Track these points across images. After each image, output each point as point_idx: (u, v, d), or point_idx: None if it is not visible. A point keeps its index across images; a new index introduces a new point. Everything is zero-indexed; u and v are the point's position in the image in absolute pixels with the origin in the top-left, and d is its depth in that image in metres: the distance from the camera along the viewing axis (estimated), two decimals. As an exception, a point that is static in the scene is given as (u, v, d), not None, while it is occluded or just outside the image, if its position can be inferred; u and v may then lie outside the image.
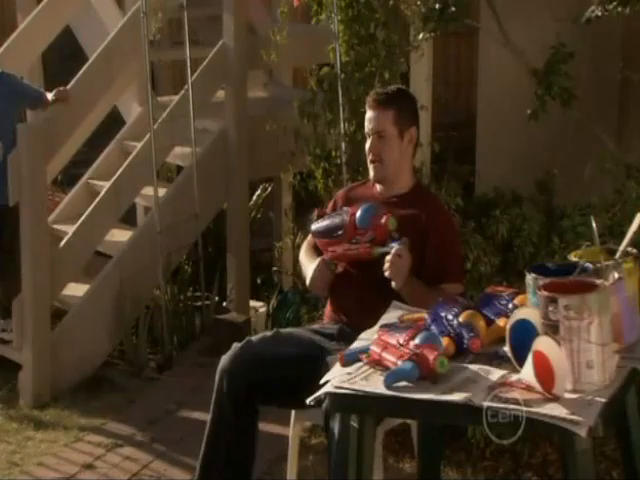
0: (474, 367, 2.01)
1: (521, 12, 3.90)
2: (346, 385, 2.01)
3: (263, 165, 5.22)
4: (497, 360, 2.04)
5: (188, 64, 4.73)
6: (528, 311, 1.99)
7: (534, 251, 3.36)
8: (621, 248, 2.11)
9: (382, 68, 3.68)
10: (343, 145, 3.91)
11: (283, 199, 6.20)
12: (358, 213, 2.63)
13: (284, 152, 4.62)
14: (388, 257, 2.54)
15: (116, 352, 4.70)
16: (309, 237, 2.93)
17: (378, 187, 2.80)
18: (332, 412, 2.11)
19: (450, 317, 2.19)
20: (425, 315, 2.30)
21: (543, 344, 1.83)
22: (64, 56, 6.14)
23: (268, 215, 6.03)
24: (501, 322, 2.17)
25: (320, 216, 2.83)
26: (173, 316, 4.84)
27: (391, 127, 2.70)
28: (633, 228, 2.14)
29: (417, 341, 2.04)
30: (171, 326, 4.79)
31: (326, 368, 2.54)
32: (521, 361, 1.93)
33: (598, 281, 1.91)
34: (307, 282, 2.75)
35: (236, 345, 2.66)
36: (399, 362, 2.00)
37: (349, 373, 2.07)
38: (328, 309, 2.79)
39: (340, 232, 2.65)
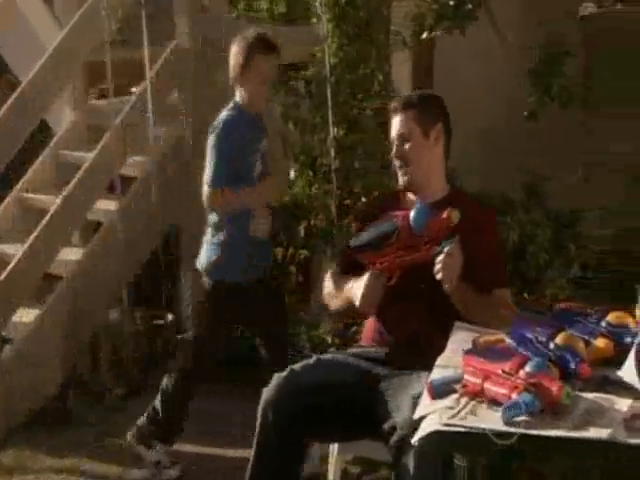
0: (589, 395, 1.85)
1: (511, 9, 3.81)
2: (456, 422, 1.81)
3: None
4: (611, 386, 1.88)
5: (147, 65, 4.41)
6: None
7: (549, 258, 3.25)
8: None
9: (377, 69, 3.49)
10: (332, 151, 3.71)
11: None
12: (412, 215, 2.42)
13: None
14: (439, 257, 2.36)
15: (70, 380, 4.33)
16: (333, 264, 2.73)
17: (410, 195, 2.63)
18: (437, 451, 1.90)
19: (543, 339, 2.02)
20: (504, 337, 2.14)
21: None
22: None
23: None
24: (600, 343, 2.03)
25: (359, 230, 2.62)
26: (134, 337, 4.52)
27: (414, 127, 2.56)
28: None
29: (529, 369, 1.86)
30: (133, 348, 4.47)
31: (381, 396, 2.38)
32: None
33: None
34: (357, 302, 2.53)
35: (279, 375, 2.43)
36: (513, 394, 1.81)
37: (450, 407, 1.87)
38: (369, 331, 2.59)
39: (392, 240, 2.44)
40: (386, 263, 2.46)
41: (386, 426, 2.27)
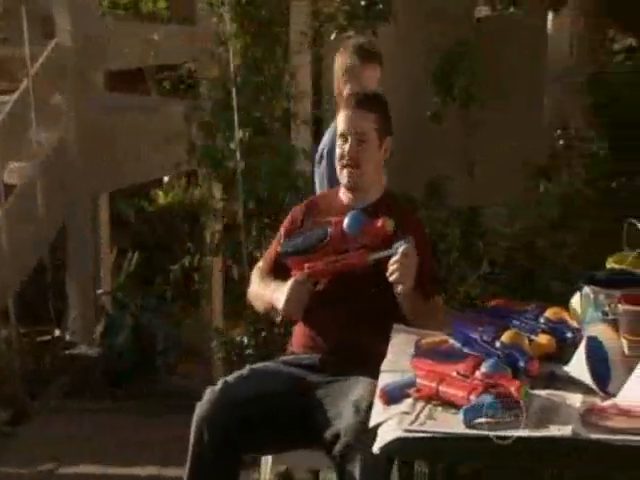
0: (542, 392, 1.86)
1: (412, 11, 3.84)
2: (416, 427, 1.77)
3: (109, 177, 4.80)
4: (559, 382, 1.90)
5: (29, 65, 4.15)
6: (598, 328, 1.89)
7: (458, 256, 3.30)
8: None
9: (284, 70, 3.42)
10: (238, 154, 3.60)
11: (101, 214, 5.76)
12: (346, 221, 2.37)
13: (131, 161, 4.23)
14: (395, 258, 2.29)
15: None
16: (259, 264, 2.65)
17: (344, 197, 2.56)
18: (395, 458, 1.85)
19: (487, 338, 2.02)
20: (447, 338, 2.13)
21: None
22: None
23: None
24: (542, 339, 2.05)
25: (288, 235, 2.54)
26: (19, 354, 4.25)
27: (373, 132, 2.48)
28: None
29: (485, 370, 1.85)
30: (18, 367, 4.19)
31: (319, 403, 2.32)
32: (601, 383, 1.82)
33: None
34: (280, 306, 2.44)
35: (212, 389, 2.32)
36: (472, 396, 1.80)
37: (406, 412, 1.83)
38: (300, 337, 2.52)
39: (323, 245, 2.37)
40: (314, 268, 2.41)
41: (328, 434, 2.21)
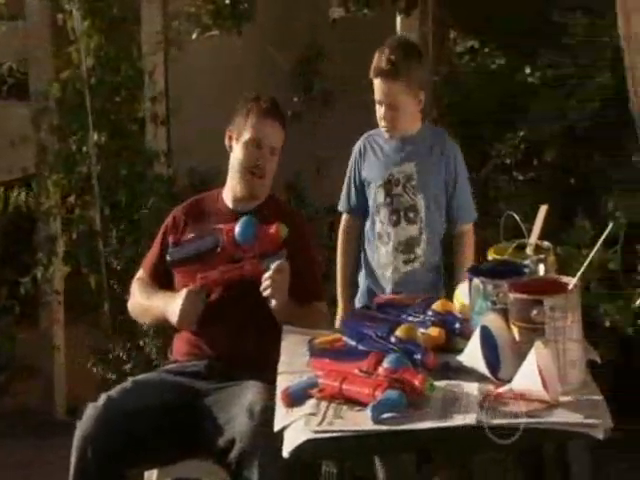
0: (440, 384, 1.90)
1: (269, 9, 3.81)
2: (326, 427, 1.75)
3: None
4: (453, 373, 1.95)
5: None
6: (488, 318, 1.95)
7: (329, 255, 3.31)
8: (532, 242, 2.16)
9: (141, 70, 3.31)
10: (93, 158, 3.43)
11: None
12: (237, 228, 2.34)
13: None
14: (267, 274, 2.31)
15: None
16: (139, 274, 2.55)
17: (228, 201, 2.54)
18: (311, 459, 1.82)
19: (382, 334, 2.04)
20: (340, 336, 2.13)
21: (537, 349, 1.80)
22: None
23: None
24: (433, 332, 2.10)
25: (176, 243, 2.44)
26: None
27: (279, 143, 2.52)
28: (539, 221, 2.20)
29: (388, 365, 1.86)
30: None
31: (208, 411, 2.26)
32: (494, 370, 1.88)
33: (564, 278, 1.94)
34: (174, 320, 2.37)
35: (94, 405, 2.20)
36: (377, 392, 1.80)
37: (312, 413, 1.81)
38: (183, 345, 2.44)
39: (215, 254, 2.33)
40: (205, 278, 2.35)
41: (221, 441, 2.16)
